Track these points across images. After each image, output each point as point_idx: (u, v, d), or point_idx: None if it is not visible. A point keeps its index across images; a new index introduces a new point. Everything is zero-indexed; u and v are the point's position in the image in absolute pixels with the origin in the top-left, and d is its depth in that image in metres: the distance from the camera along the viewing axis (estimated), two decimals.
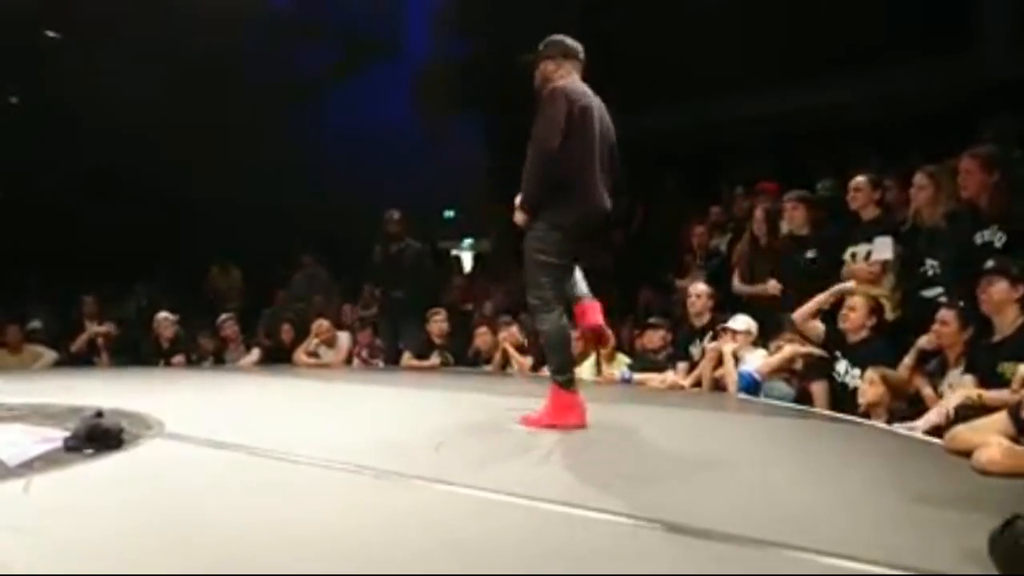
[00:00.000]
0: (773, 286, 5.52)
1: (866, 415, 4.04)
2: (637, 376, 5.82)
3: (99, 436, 3.34)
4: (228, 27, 10.38)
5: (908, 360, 4.10)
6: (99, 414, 3.49)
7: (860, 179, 5.20)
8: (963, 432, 3.12)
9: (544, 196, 3.69)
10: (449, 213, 12.84)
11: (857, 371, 4.36)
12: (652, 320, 6.28)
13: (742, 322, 5.32)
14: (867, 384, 4.04)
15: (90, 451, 3.27)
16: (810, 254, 5.32)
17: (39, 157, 11.19)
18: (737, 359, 5.20)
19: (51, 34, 10.71)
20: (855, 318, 4.53)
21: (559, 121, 3.61)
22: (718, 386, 5.28)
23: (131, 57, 9.83)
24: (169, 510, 2.52)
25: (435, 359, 7.22)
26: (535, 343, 5.82)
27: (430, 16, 12.48)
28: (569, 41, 3.97)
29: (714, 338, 5.45)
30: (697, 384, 5.44)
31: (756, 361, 5.12)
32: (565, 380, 3.78)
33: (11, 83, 11.07)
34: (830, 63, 9.71)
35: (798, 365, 4.91)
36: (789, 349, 4.95)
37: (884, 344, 4.40)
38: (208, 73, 10.64)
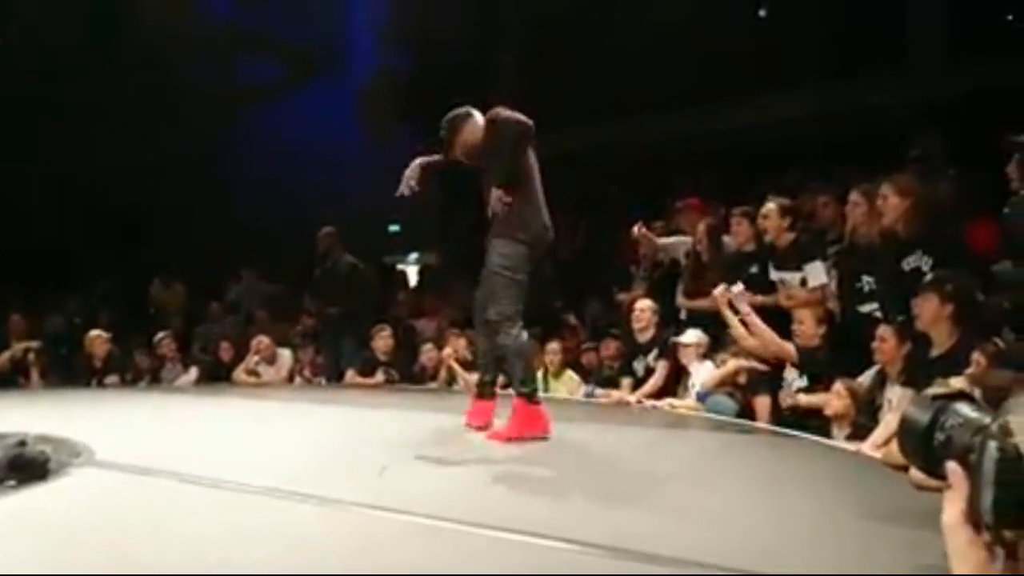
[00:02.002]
0: (719, 291, 5.55)
1: (827, 426, 4.09)
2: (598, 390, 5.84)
3: (22, 466, 3.18)
4: (171, 39, 10.19)
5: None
6: (22, 442, 3.33)
7: (770, 206, 5.17)
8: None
9: (510, 211, 3.88)
10: (394, 227, 12.73)
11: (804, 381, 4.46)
12: (612, 331, 6.31)
13: (693, 335, 5.36)
14: (834, 396, 4.08)
15: (12, 483, 3.11)
16: (754, 269, 5.37)
17: None
18: (687, 372, 5.27)
19: None
20: (805, 330, 4.60)
21: (525, 124, 3.90)
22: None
23: (69, 62, 9.56)
24: (94, 548, 2.40)
25: (380, 376, 7.10)
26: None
27: (374, 31, 12.43)
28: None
29: (663, 354, 5.48)
30: (645, 399, 5.44)
31: (705, 374, 5.17)
32: (531, 391, 3.95)
33: None
34: (768, 81, 9.95)
35: (742, 379, 4.95)
36: (733, 363, 5.00)
37: (827, 357, 4.47)
38: (150, 85, 10.43)
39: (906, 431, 1.06)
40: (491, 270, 3.95)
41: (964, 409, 1.03)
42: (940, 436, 1.02)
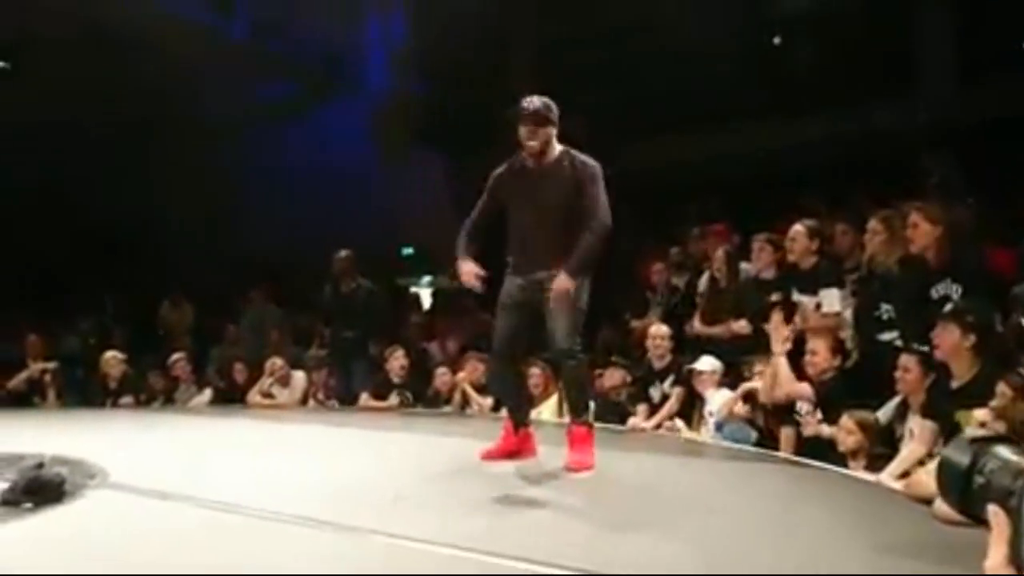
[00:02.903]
0: (741, 327, 5.52)
1: (844, 461, 4.03)
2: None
3: (39, 489, 3.19)
4: (186, 59, 10.30)
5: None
6: (40, 465, 3.34)
7: (798, 228, 5.12)
8: (922, 478, 3.11)
9: (570, 244, 3.93)
10: (408, 250, 12.76)
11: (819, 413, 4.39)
12: (614, 359, 6.25)
13: (708, 363, 5.32)
14: (844, 432, 4.00)
15: (29, 505, 3.12)
16: (775, 297, 5.32)
17: None
18: (703, 400, 5.23)
19: (0, 64, 10.50)
20: (819, 361, 4.52)
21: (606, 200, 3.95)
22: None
23: (81, 87, 9.65)
24: (108, 571, 2.39)
25: (394, 399, 7.09)
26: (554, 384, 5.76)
27: (390, 53, 12.53)
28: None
29: (678, 381, 5.45)
30: (658, 427, 5.41)
31: (720, 401, 5.13)
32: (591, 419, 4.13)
33: None
34: (779, 105, 9.97)
35: (763, 397, 4.87)
36: (741, 388, 4.98)
37: (846, 386, 4.42)
38: (165, 105, 10.52)
39: (945, 474, 1.04)
40: (569, 304, 3.92)
41: (1004, 452, 1.01)
42: (979, 479, 1.00)
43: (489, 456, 4.12)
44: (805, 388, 4.52)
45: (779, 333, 4.76)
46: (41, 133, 9.93)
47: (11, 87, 10.15)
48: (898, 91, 9.57)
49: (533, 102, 4.03)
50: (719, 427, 5.00)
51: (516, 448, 4.15)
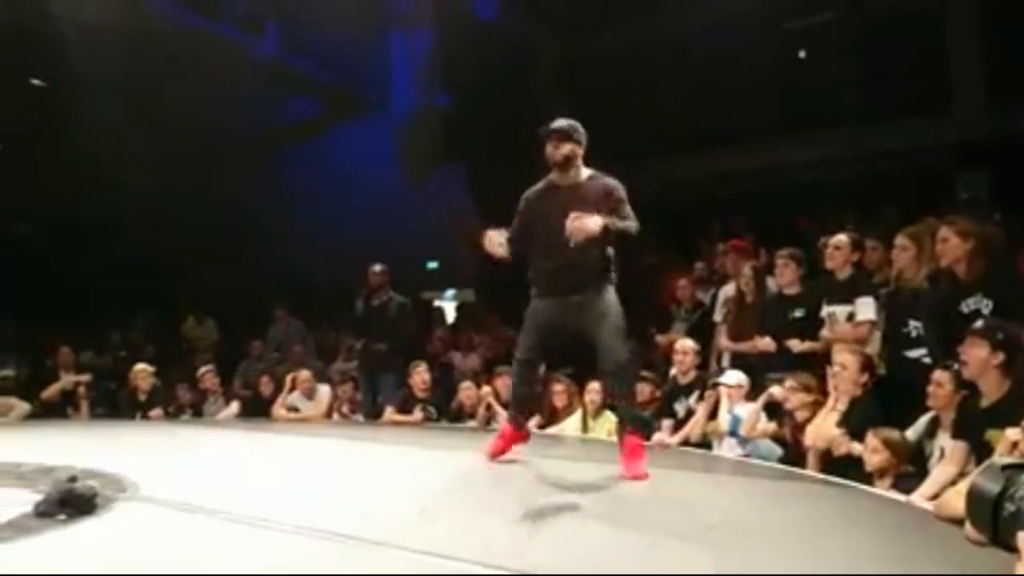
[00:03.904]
0: (766, 343, 5.50)
1: (870, 480, 3.98)
2: None
3: (72, 501, 3.25)
4: (213, 75, 10.45)
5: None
6: (73, 478, 3.40)
7: (841, 238, 5.17)
8: (951, 498, 3.06)
9: (610, 263, 4.19)
10: (432, 264, 12.82)
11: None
12: (644, 374, 6.24)
13: (734, 377, 5.31)
14: (869, 451, 3.95)
15: (62, 517, 3.18)
16: (798, 313, 5.31)
17: (16, 204, 11.15)
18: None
19: (36, 82, 10.72)
20: (847, 376, 4.46)
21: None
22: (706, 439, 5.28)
23: (112, 104, 9.84)
24: None
25: (418, 413, 7.12)
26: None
27: (414, 69, 12.64)
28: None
29: (703, 395, 5.44)
30: (685, 442, 5.39)
31: (744, 415, 5.11)
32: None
33: None
34: (805, 121, 9.94)
35: (793, 404, 4.82)
36: (762, 398, 4.95)
37: (874, 403, 4.37)
38: (190, 121, 10.68)
39: (975, 501, 1.05)
40: (612, 322, 4.12)
41: None
42: (1010, 507, 1.00)
43: (495, 452, 4.47)
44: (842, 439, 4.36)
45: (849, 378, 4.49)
46: (76, 152, 10.15)
47: (52, 105, 10.37)
48: (928, 108, 9.51)
49: (559, 121, 4.19)
50: (743, 442, 4.97)
51: (516, 439, 4.51)
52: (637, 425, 4.21)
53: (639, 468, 4.00)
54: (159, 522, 3.33)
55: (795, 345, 5.19)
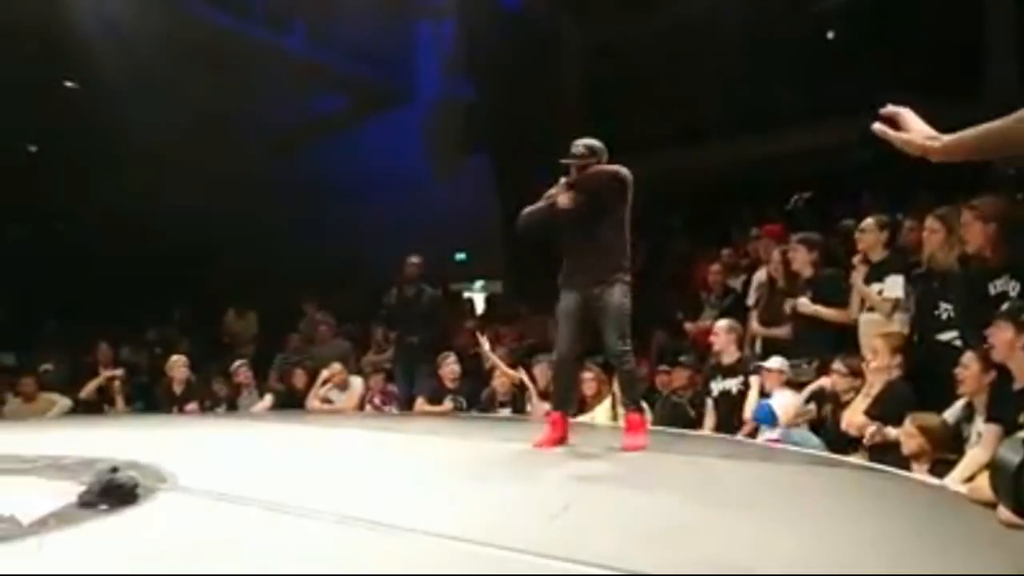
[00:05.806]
0: (803, 304, 5.50)
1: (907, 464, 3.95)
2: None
3: (114, 492, 3.33)
4: (244, 73, 10.57)
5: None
6: (115, 468, 3.49)
7: (868, 220, 5.29)
8: (985, 482, 3.03)
9: (624, 257, 4.52)
10: (461, 255, 12.87)
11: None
12: (681, 360, 6.34)
13: (777, 362, 5.35)
14: (905, 436, 3.92)
15: (104, 507, 3.26)
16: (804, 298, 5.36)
17: (54, 204, 11.39)
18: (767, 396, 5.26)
19: (70, 84, 10.92)
20: (880, 361, 4.44)
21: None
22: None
23: (147, 103, 10.00)
24: (182, 570, 2.50)
25: (448, 404, 7.18)
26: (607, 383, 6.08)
27: (441, 61, 12.66)
28: None
29: (746, 378, 5.50)
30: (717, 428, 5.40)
31: (784, 401, 5.12)
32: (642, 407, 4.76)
33: (30, 132, 11.27)
34: (834, 105, 9.77)
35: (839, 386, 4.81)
36: (808, 389, 4.96)
37: (906, 387, 4.33)
38: (221, 116, 10.81)
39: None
40: (618, 307, 4.46)
41: None
42: None
43: (541, 445, 4.56)
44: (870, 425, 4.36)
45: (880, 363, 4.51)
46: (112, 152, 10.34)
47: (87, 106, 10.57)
48: (962, 88, 9.31)
49: (577, 147, 4.53)
50: (766, 417, 5.08)
51: (564, 436, 4.63)
52: (636, 404, 4.64)
53: (637, 440, 4.42)
54: (198, 511, 3.40)
55: (804, 305, 5.29)
